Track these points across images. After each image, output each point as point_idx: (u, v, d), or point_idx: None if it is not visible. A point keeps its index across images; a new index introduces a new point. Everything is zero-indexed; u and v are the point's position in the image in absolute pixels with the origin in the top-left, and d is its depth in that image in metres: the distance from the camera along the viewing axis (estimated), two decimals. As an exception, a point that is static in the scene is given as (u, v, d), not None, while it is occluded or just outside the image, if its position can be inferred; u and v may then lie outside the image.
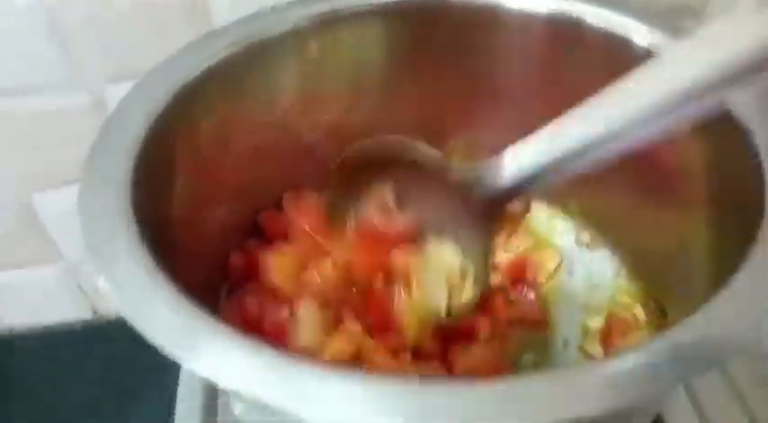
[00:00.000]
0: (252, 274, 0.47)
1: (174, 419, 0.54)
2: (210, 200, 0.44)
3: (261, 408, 0.39)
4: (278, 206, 0.51)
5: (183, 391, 0.56)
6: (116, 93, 0.41)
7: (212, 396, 0.56)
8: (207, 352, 0.28)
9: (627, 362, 0.27)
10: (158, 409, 0.58)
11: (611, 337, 0.46)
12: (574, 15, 0.44)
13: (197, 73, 0.41)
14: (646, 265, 0.49)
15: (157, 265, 0.31)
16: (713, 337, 0.27)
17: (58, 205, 0.61)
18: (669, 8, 0.54)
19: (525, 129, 0.50)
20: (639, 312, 0.48)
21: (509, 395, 0.26)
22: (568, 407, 0.25)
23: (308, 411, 0.26)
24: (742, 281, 0.29)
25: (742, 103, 0.36)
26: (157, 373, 0.65)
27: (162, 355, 0.67)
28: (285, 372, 0.27)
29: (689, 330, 0.28)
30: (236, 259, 0.48)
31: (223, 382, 0.27)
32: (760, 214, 0.32)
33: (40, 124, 0.56)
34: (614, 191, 0.48)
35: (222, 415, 0.54)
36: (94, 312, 0.71)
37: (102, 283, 0.30)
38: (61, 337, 0.70)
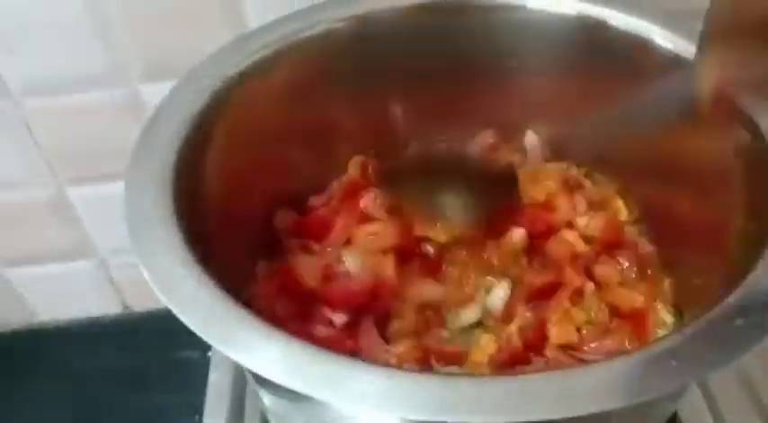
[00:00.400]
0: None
1: (203, 411, 0.55)
2: (245, 195, 0.46)
3: (288, 398, 0.40)
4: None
5: (212, 384, 0.57)
6: (153, 90, 0.43)
7: (241, 388, 0.57)
8: (242, 341, 0.29)
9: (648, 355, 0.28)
10: (188, 402, 0.60)
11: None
12: (598, 18, 0.45)
13: (233, 74, 0.43)
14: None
15: (197, 258, 0.32)
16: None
17: (95, 199, 0.63)
18: (692, 10, 0.54)
19: (550, 128, 0.52)
20: (666, 314, 0.48)
21: (524, 391, 0.27)
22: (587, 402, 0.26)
23: (333, 398, 0.27)
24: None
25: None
26: (186, 366, 0.67)
27: (190, 349, 0.69)
28: (313, 361, 0.28)
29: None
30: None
31: (256, 369, 0.28)
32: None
33: (79, 119, 0.57)
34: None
35: (251, 407, 0.55)
36: (125, 307, 0.73)
37: (146, 275, 0.32)
38: (92, 331, 0.72)
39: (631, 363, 0.27)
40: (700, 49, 0.34)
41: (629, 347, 0.43)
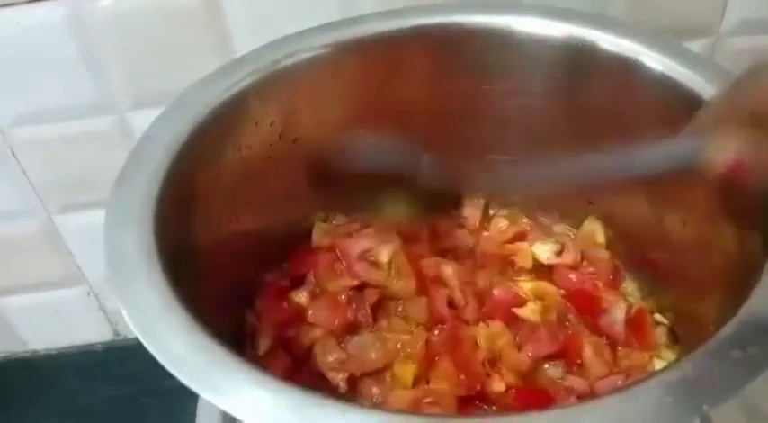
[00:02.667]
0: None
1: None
2: (232, 228, 0.45)
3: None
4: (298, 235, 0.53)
5: (201, 415, 0.56)
6: (141, 119, 0.42)
7: (231, 418, 0.56)
8: (228, 388, 0.29)
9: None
10: None
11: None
12: (587, 40, 0.44)
13: (218, 103, 0.42)
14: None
15: (178, 293, 0.32)
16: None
17: (83, 227, 0.62)
18: (682, 29, 0.55)
19: (537, 149, 0.52)
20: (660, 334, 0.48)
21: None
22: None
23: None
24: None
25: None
26: (177, 395, 0.65)
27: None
28: (302, 407, 0.28)
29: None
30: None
31: (243, 417, 0.28)
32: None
33: (67, 148, 0.57)
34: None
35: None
36: (116, 334, 0.72)
37: (126, 318, 0.31)
38: (83, 359, 0.71)
39: (627, 401, 0.27)
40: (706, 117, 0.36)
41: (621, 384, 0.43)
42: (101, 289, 0.68)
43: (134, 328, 0.30)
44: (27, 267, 0.65)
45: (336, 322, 0.48)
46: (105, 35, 0.51)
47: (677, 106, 0.41)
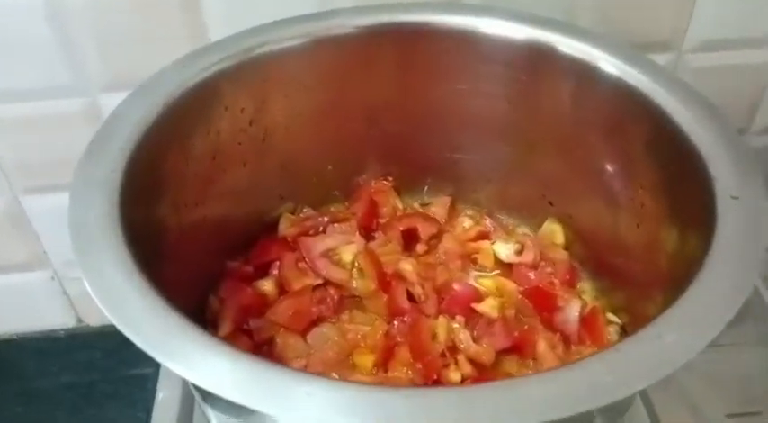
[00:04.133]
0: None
1: (150, 428, 0.55)
2: (198, 212, 0.46)
3: (236, 415, 0.40)
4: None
5: (159, 401, 0.56)
6: (112, 102, 0.43)
7: (189, 407, 0.57)
8: (188, 356, 0.29)
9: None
10: (138, 418, 0.59)
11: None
12: (548, 43, 0.46)
13: (189, 85, 0.43)
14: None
15: (142, 269, 0.32)
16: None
17: (50, 210, 0.62)
18: (645, 43, 0.57)
19: (497, 149, 0.53)
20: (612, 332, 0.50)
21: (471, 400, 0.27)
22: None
23: (278, 411, 0.27)
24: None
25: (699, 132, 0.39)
26: (139, 382, 0.66)
27: (144, 366, 0.69)
28: (260, 375, 0.28)
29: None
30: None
31: (200, 383, 0.28)
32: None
33: (36, 128, 0.57)
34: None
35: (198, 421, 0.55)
36: (79, 321, 0.72)
37: (88, 287, 0.31)
38: (44, 345, 0.71)
39: (568, 376, 0.28)
40: None
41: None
42: (65, 273, 0.67)
43: (95, 296, 0.31)
44: (-8, 249, 0.64)
45: (300, 322, 0.49)
46: (80, 18, 0.52)
47: (632, 110, 0.43)
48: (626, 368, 0.29)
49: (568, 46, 0.45)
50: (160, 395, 0.57)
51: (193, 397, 0.56)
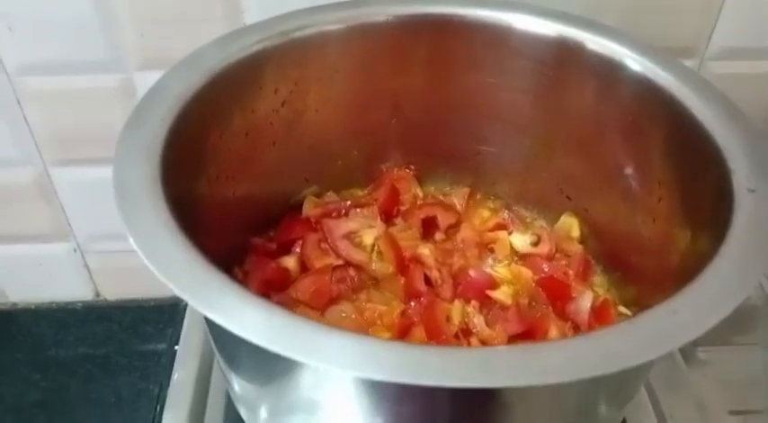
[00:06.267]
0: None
1: (165, 403, 0.56)
2: (229, 187, 0.48)
3: (259, 383, 0.42)
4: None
5: (176, 377, 0.58)
6: (147, 80, 0.45)
7: (205, 380, 0.58)
8: (225, 306, 0.31)
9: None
10: (149, 393, 0.62)
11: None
12: (576, 40, 0.48)
13: (229, 62, 0.44)
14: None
15: (184, 227, 0.34)
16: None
17: (77, 183, 0.64)
18: (666, 48, 0.58)
19: (519, 143, 0.55)
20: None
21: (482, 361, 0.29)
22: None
23: (308, 359, 0.29)
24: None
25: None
26: (152, 357, 0.67)
27: (157, 342, 0.71)
28: (291, 326, 0.30)
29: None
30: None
31: (237, 332, 0.30)
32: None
33: (71, 102, 0.59)
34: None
35: (213, 403, 0.56)
36: (97, 294, 0.73)
37: (131, 241, 0.33)
38: (62, 316, 0.72)
39: (585, 343, 0.30)
40: None
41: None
42: (88, 246, 0.69)
43: (137, 249, 0.32)
44: (17, 217, 0.66)
45: (320, 300, 0.51)
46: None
47: (655, 107, 0.45)
48: (639, 338, 0.30)
49: (596, 43, 0.47)
50: (176, 375, 0.58)
51: (208, 377, 0.58)
